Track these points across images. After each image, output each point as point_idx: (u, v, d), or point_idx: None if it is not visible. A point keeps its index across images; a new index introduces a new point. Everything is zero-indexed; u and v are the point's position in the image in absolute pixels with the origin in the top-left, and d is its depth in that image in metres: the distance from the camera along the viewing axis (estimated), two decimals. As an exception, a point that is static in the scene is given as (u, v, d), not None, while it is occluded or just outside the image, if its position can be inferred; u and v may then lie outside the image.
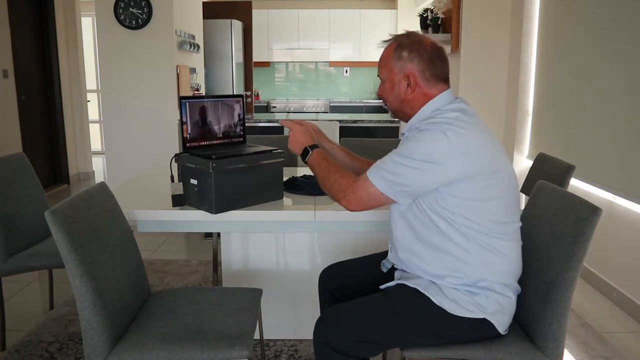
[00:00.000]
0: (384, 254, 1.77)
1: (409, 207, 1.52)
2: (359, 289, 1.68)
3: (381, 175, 1.46)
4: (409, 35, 1.57)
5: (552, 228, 1.51)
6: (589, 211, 1.41)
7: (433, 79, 1.53)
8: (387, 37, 1.61)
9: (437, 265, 1.49)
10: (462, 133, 1.41)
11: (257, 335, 1.83)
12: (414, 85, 1.53)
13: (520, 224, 1.54)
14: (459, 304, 1.46)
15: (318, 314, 1.79)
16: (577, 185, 3.23)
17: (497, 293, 1.47)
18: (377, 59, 1.68)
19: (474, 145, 1.42)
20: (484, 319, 1.46)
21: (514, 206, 1.51)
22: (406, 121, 1.61)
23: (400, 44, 1.55)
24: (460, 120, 1.43)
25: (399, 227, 1.58)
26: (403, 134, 1.61)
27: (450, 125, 1.41)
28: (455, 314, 1.45)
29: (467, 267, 1.46)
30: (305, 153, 1.69)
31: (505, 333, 1.52)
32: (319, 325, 1.51)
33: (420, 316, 1.47)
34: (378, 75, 1.63)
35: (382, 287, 1.58)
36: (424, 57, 1.52)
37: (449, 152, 1.39)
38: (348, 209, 1.53)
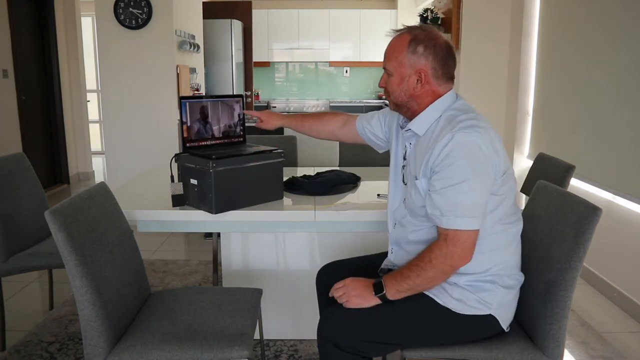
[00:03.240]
0: (381, 255, 1.78)
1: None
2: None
3: (463, 218, 1.38)
4: (423, 29, 1.52)
5: (552, 228, 1.51)
6: (589, 211, 1.41)
7: (443, 78, 1.52)
8: (397, 28, 1.55)
9: None
10: (484, 133, 1.40)
11: (257, 335, 1.83)
12: (425, 82, 1.50)
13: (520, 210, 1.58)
14: (463, 302, 1.46)
15: (318, 314, 1.80)
16: (577, 185, 3.23)
17: (503, 286, 1.48)
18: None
19: (498, 141, 1.44)
20: (489, 315, 1.47)
21: (515, 194, 1.55)
22: (410, 117, 1.57)
23: (415, 37, 1.49)
24: (477, 120, 1.43)
25: (412, 221, 1.56)
26: (407, 130, 1.56)
27: (474, 128, 1.40)
28: (461, 312, 1.46)
29: (475, 263, 1.46)
30: (379, 291, 1.48)
31: (507, 330, 1.53)
32: (323, 322, 1.51)
33: (425, 316, 1.48)
34: (384, 67, 1.56)
35: None
36: (439, 55, 1.49)
37: (487, 154, 1.39)
38: (463, 265, 1.44)
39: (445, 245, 1.41)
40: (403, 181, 1.62)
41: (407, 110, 1.56)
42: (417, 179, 1.49)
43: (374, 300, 1.48)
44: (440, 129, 1.46)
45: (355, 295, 1.49)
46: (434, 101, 1.52)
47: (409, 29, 1.53)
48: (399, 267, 1.60)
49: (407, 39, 1.50)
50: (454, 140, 1.39)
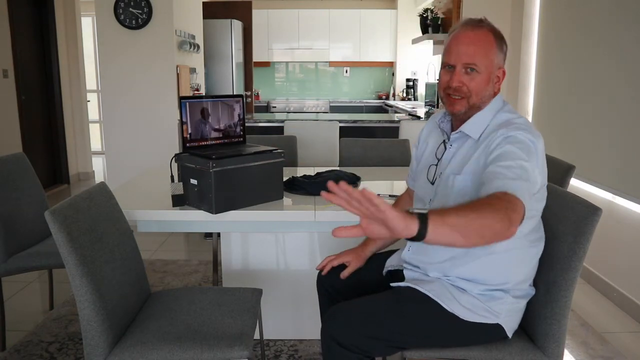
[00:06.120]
0: (382, 255, 1.77)
1: None
2: (357, 290, 1.68)
3: (529, 191, 1.25)
4: (488, 22, 1.45)
5: (552, 228, 1.51)
6: (589, 211, 1.41)
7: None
8: (475, 17, 1.44)
9: (462, 268, 1.46)
10: (535, 139, 1.36)
11: (257, 335, 1.83)
12: (499, 83, 1.45)
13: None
14: (472, 310, 1.44)
15: (318, 314, 1.80)
16: (577, 185, 3.23)
17: (515, 297, 1.47)
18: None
19: (542, 152, 1.39)
20: (496, 324, 1.45)
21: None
22: (465, 118, 1.47)
23: (496, 33, 1.41)
24: (531, 127, 1.39)
25: None
26: (460, 131, 1.47)
27: (530, 131, 1.35)
28: (468, 319, 1.44)
29: (494, 274, 1.45)
30: (422, 228, 1.05)
31: (510, 337, 1.52)
32: (327, 321, 1.49)
33: (431, 321, 1.46)
34: (467, 63, 1.40)
35: (392, 285, 1.56)
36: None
37: (533, 153, 1.33)
38: (509, 235, 1.16)
39: (510, 212, 1.13)
40: (431, 181, 1.57)
41: (471, 110, 1.45)
42: (458, 175, 1.43)
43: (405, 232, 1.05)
44: (494, 128, 1.39)
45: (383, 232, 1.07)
46: (490, 102, 1.47)
47: (482, 22, 1.42)
48: (412, 265, 1.58)
49: (492, 35, 1.40)
50: (512, 133, 1.34)
